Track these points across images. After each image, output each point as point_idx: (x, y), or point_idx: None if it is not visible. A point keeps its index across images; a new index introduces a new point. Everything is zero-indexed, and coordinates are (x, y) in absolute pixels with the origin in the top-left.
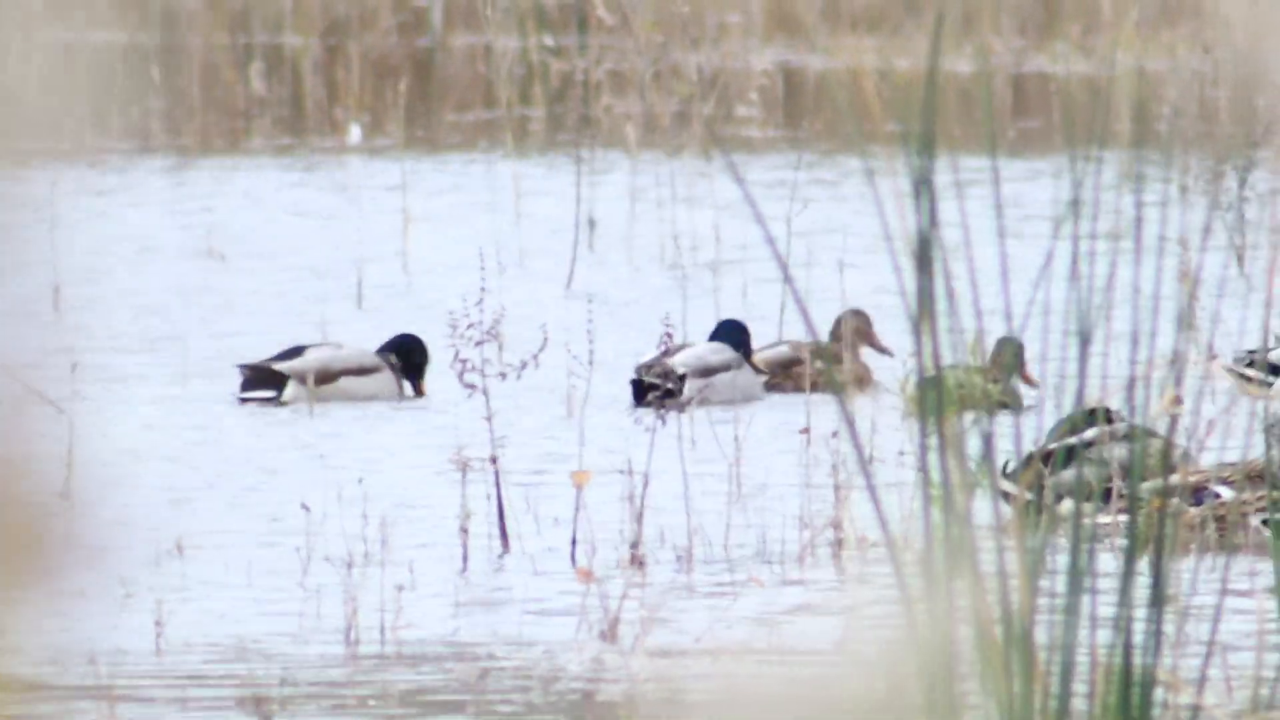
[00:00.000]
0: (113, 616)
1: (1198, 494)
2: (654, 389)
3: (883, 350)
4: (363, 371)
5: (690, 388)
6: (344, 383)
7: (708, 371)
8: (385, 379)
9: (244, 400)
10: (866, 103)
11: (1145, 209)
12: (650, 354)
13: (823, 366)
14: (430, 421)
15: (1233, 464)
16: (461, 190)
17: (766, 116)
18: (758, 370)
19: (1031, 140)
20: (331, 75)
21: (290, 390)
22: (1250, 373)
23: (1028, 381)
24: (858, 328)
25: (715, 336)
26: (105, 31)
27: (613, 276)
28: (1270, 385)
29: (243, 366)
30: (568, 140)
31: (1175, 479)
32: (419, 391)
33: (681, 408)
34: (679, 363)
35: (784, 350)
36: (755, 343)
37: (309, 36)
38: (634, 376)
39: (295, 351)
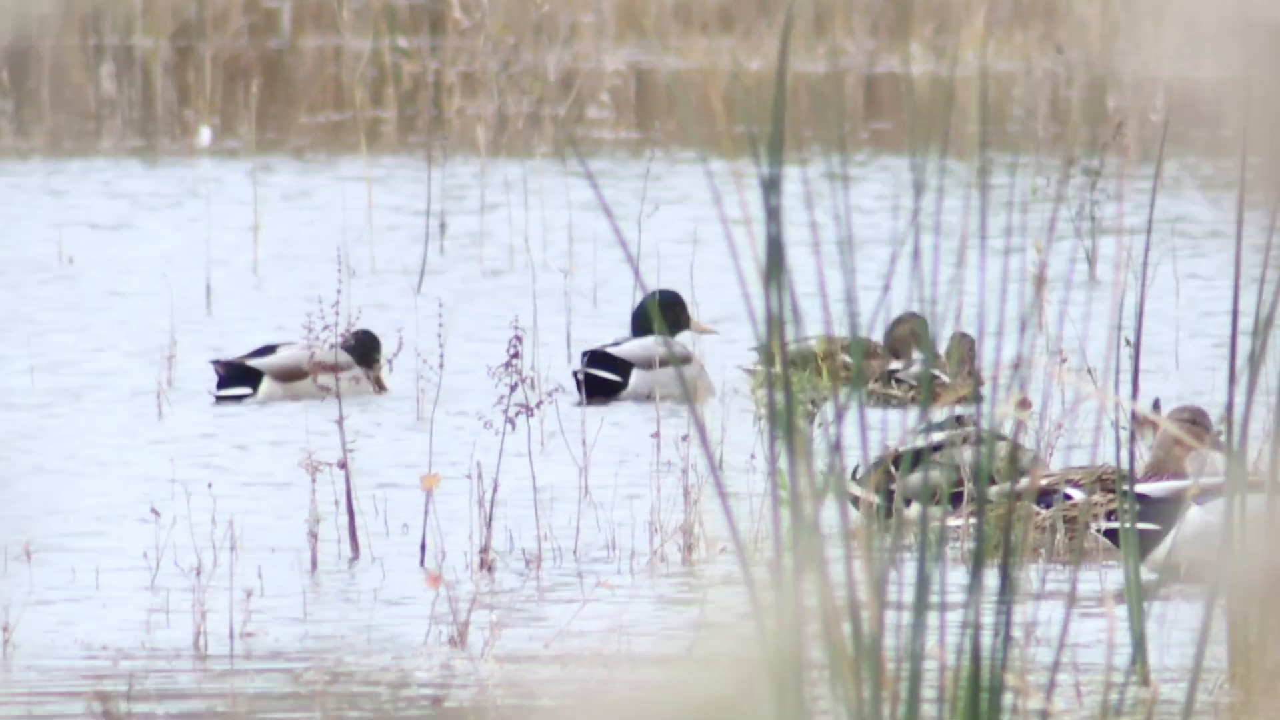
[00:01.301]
0: None
1: (1046, 497)
2: (599, 382)
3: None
4: (335, 369)
5: (636, 381)
6: (322, 378)
7: (657, 364)
8: (355, 376)
9: (220, 399)
10: (714, 104)
11: (994, 210)
12: (597, 344)
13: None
14: (281, 424)
15: (1083, 467)
16: (312, 192)
17: (618, 117)
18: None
19: (884, 141)
20: (182, 77)
21: (265, 388)
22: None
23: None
24: (913, 330)
25: (640, 310)
26: None
27: (463, 279)
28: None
29: (216, 363)
30: (419, 142)
31: (1024, 482)
32: (380, 387)
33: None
34: (626, 353)
35: (811, 345)
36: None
37: (159, 38)
38: (578, 370)
39: (267, 350)
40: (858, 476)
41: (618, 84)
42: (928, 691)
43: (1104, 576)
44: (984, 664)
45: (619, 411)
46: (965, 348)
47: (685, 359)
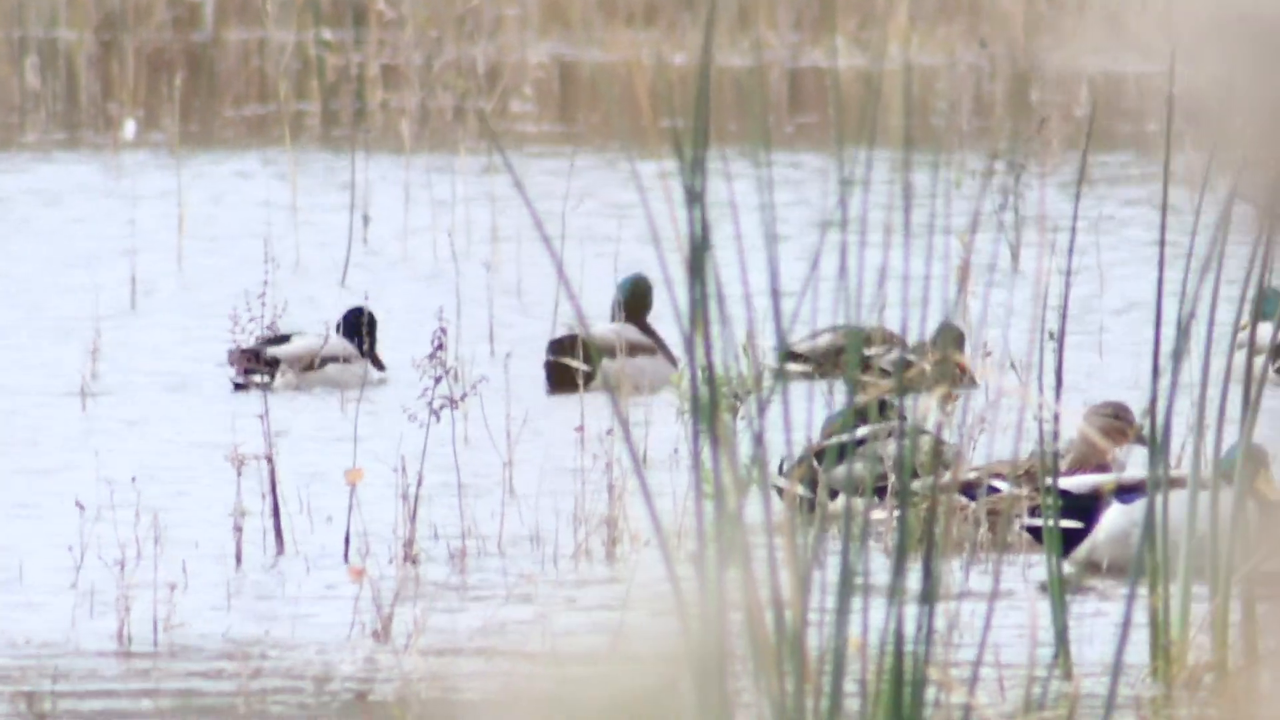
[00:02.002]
0: None
1: (969, 490)
2: (568, 372)
3: (970, 376)
4: (346, 359)
5: (605, 370)
6: (330, 370)
7: (627, 352)
8: (362, 366)
9: (239, 386)
10: (641, 97)
11: (918, 204)
12: (561, 331)
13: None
14: (206, 418)
15: (1009, 461)
16: (236, 185)
17: (542, 111)
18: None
19: (809, 135)
20: (106, 70)
21: (280, 377)
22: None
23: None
24: (958, 337)
25: (619, 295)
26: None
27: (387, 272)
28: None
29: (232, 351)
30: (343, 135)
31: (947, 476)
32: (379, 366)
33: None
34: (599, 337)
35: (827, 339)
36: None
37: (83, 31)
38: (547, 358)
39: (281, 339)
40: (782, 469)
41: (541, 77)
42: (850, 685)
43: (1027, 571)
44: (907, 657)
45: (543, 404)
46: (952, 339)
47: (651, 348)
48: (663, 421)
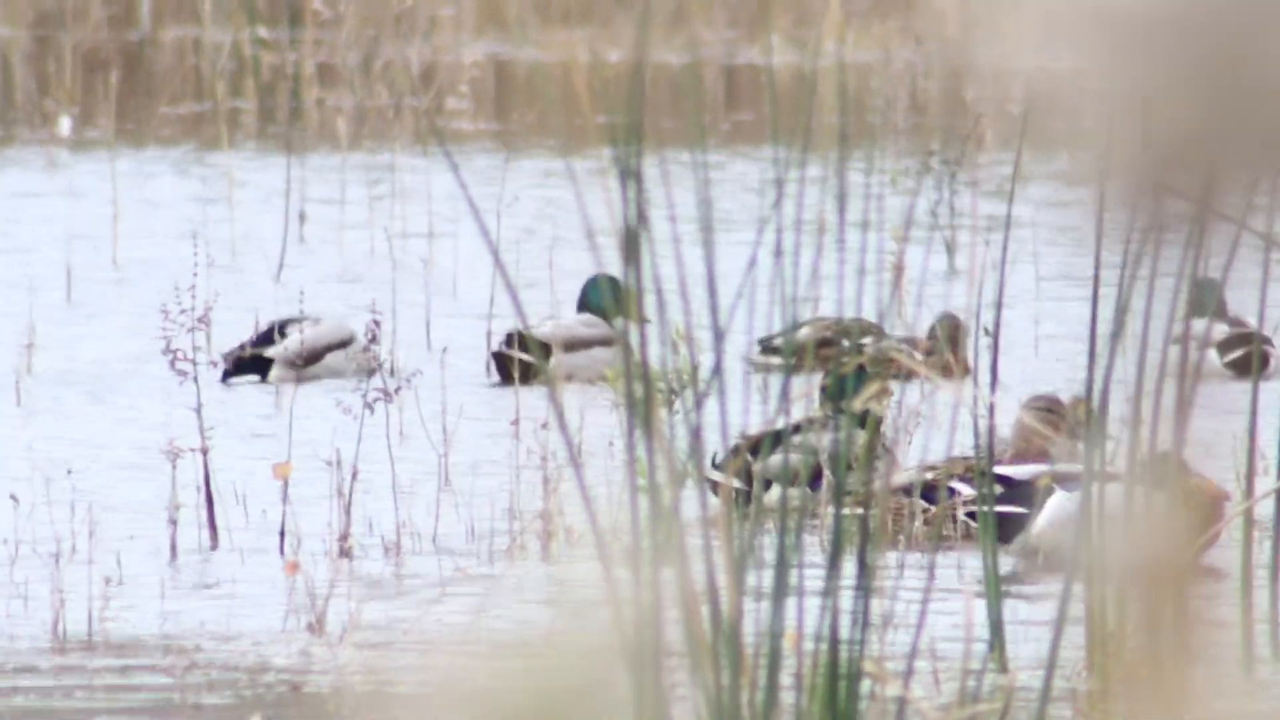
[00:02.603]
0: None
1: (929, 493)
2: (515, 363)
3: (963, 364)
4: (344, 345)
5: (556, 362)
6: (329, 359)
7: (578, 345)
8: (360, 351)
9: (229, 377)
10: (580, 94)
11: (854, 201)
12: (514, 325)
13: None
14: (140, 411)
15: (966, 458)
16: (172, 183)
17: (478, 109)
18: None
19: (745, 133)
20: (42, 67)
21: (276, 371)
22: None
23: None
24: (957, 326)
25: (585, 295)
26: None
27: (323, 269)
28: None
29: (226, 355)
30: (279, 133)
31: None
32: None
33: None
34: (546, 335)
35: (806, 331)
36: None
37: (18, 28)
38: (496, 349)
39: (273, 332)
40: (716, 462)
41: (477, 76)
42: (786, 678)
43: (963, 564)
44: (842, 651)
45: (479, 398)
46: (951, 328)
47: (606, 340)
48: (599, 415)
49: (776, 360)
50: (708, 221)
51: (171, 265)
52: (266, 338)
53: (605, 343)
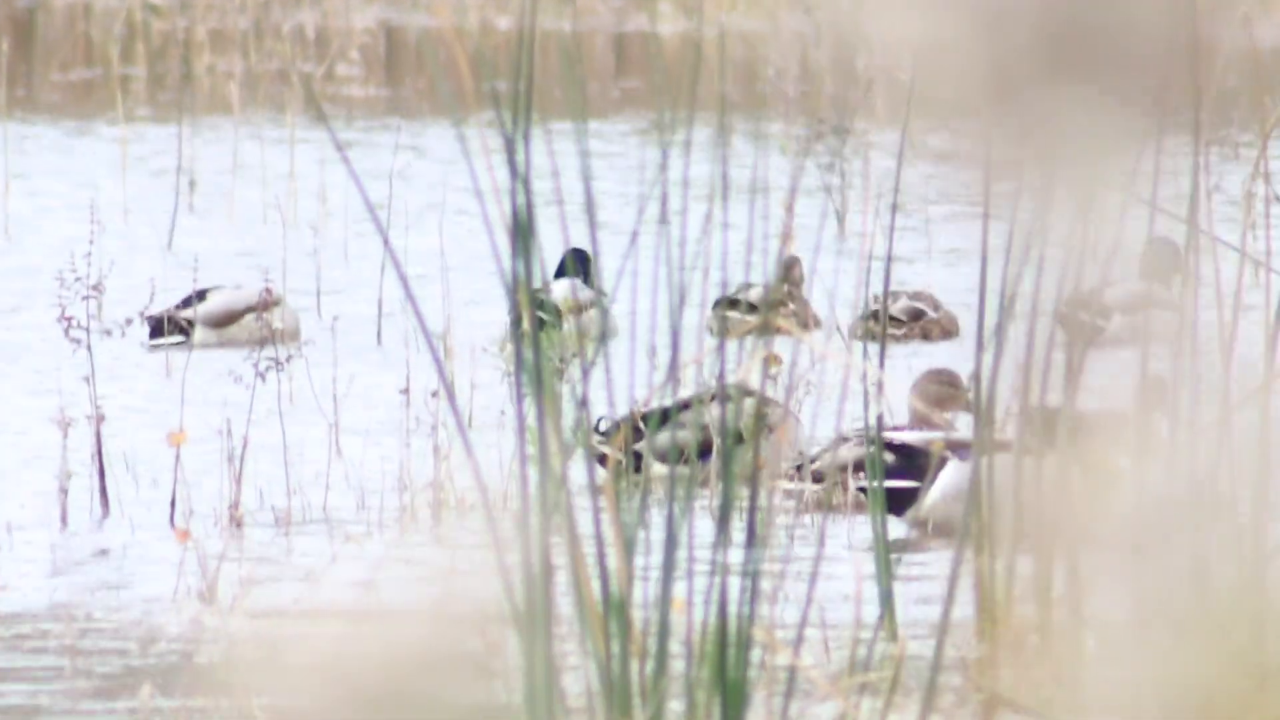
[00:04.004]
0: None
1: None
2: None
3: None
4: (265, 307)
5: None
6: (247, 320)
7: (577, 309)
8: (286, 312)
9: (154, 347)
10: (460, 62)
11: (744, 169)
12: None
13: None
14: (32, 379)
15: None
16: (63, 150)
17: (368, 75)
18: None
19: (635, 100)
20: None
21: (199, 334)
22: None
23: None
24: (792, 266)
25: (562, 266)
26: None
27: (214, 236)
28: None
29: (149, 318)
30: (170, 100)
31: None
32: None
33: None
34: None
35: (758, 290)
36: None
37: None
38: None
39: (198, 296)
40: (603, 429)
41: (368, 42)
42: (676, 647)
43: (853, 532)
44: (731, 619)
45: (369, 367)
46: (796, 271)
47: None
48: (489, 383)
49: (736, 315)
50: (589, 190)
51: (62, 232)
52: (188, 302)
53: (596, 305)
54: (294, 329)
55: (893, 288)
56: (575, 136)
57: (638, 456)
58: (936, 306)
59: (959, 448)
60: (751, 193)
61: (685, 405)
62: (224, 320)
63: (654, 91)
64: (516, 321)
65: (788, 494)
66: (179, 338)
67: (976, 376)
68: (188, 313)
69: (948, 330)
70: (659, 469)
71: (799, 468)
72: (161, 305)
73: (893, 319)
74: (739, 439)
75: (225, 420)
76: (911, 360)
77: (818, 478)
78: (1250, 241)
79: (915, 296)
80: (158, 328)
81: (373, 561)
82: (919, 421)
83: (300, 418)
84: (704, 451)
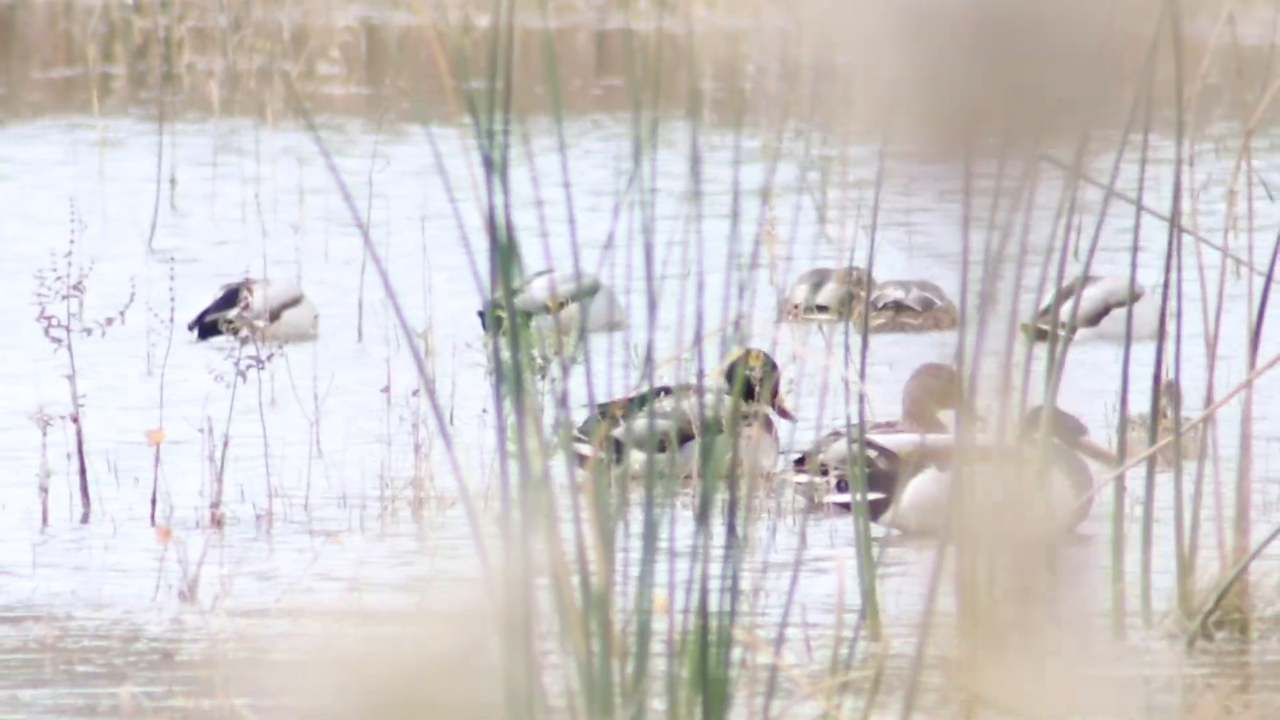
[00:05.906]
0: None
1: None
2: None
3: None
4: (296, 303)
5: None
6: (287, 316)
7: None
8: (310, 305)
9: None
10: (439, 61)
11: (725, 167)
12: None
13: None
14: (11, 378)
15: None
16: (43, 148)
17: (349, 74)
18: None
19: (616, 98)
20: None
21: (244, 332)
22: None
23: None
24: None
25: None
26: None
27: (194, 235)
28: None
29: (200, 324)
30: (150, 98)
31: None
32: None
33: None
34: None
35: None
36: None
37: None
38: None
39: (230, 298)
40: (583, 428)
41: (349, 40)
42: (657, 646)
43: (835, 530)
44: (712, 619)
45: (351, 365)
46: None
47: (591, 290)
48: (470, 382)
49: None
50: (567, 189)
51: (43, 231)
52: (225, 303)
53: (605, 290)
54: (313, 325)
55: (887, 279)
56: (555, 133)
57: (618, 445)
58: (941, 296)
59: (935, 454)
60: (734, 190)
61: (666, 390)
62: (271, 318)
63: (634, 90)
64: (496, 320)
65: (798, 488)
66: (232, 336)
67: (959, 374)
68: (233, 314)
69: (956, 320)
70: (638, 456)
71: (800, 460)
72: (199, 307)
73: (906, 309)
74: (718, 429)
75: (206, 419)
76: (928, 352)
77: (824, 470)
78: (1232, 239)
79: (923, 286)
80: (208, 329)
81: (354, 560)
82: (914, 418)
83: (281, 416)
84: (684, 439)
